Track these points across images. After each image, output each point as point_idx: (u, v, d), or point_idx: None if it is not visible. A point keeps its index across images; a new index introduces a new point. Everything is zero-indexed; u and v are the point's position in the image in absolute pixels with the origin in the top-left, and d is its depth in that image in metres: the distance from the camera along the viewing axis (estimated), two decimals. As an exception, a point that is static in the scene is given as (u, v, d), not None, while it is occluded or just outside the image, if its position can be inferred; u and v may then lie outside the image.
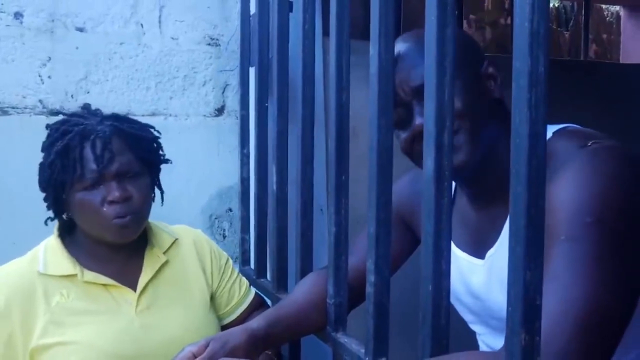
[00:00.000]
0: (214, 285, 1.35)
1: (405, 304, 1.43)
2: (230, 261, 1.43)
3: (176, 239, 1.34)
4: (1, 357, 1.16)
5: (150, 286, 1.25)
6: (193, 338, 1.07)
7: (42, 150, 1.22)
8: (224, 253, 1.43)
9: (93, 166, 1.16)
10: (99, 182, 1.17)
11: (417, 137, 0.96)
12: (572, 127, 0.95)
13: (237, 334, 1.04)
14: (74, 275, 1.20)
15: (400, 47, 0.98)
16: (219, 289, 1.36)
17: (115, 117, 1.25)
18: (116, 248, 1.23)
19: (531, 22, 0.59)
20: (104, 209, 1.17)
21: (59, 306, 1.18)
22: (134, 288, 1.24)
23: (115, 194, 1.16)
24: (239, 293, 1.39)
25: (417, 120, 0.96)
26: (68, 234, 1.25)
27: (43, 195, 1.23)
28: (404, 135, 0.98)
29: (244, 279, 1.44)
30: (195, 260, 1.34)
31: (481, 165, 0.96)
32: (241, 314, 1.38)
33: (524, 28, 0.60)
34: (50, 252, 1.23)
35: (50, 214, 1.25)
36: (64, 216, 1.23)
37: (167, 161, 1.31)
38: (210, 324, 1.31)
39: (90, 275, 1.21)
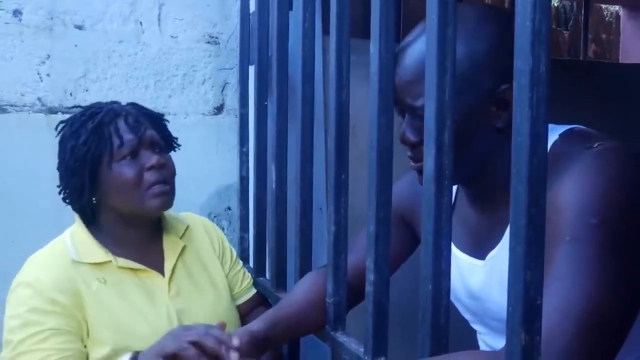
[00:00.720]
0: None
1: (404, 303, 1.43)
2: (235, 252, 1.47)
3: (188, 225, 1.37)
4: (75, 330, 1.15)
5: (176, 271, 1.28)
6: None
7: (66, 138, 1.23)
8: (228, 243, 1.47)
9: (130, 135, 1.21)
10: (137, 151, 1.21)
11: (407, 145, 0.96)
12: (579, 128, 0.94)
13: (238, 336, 1.03)
14: (107, 263, 1.21)
15: (411, 49, 0.93)
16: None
17: (132, 103, 1.32)
18: (141, 231, 1.26)
19: (533, 21, 0.59)
20: (145, 176, 1.20)
21: (99, 290, 1.18)
22: (160, 272, 1.26)
23: (153, 159, 1.20)
24: (240, 285, 1.42)
25: (406, 133, 0.95)
26: (90, 223, 1.26)
27: (72, 181, 1.21)
28: (401, 127, 0.98)
29: (247, 273, 1.46)
30: (209, 246, 1.38)
31: (481, 166, 0.96)
32: (240, 306, 1.39)
33: (526, 27, 0.60)
34: (78, 240, 1.23)
35: (68, 207, 1.25)
36: (94, 200, 1.22)
37: (179, 145, 1.36)
38: (234, 308, 1.36)
39: (122, 261, 1.22)
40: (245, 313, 1.39)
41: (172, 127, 1.36)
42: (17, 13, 1.62)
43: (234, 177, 1.77)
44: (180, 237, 1.34)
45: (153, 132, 1.26)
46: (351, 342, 1.04)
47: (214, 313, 1.27)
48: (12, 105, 1.63)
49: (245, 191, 1.65)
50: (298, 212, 1.25)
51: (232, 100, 1.82)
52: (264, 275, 1.49)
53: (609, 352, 0.72)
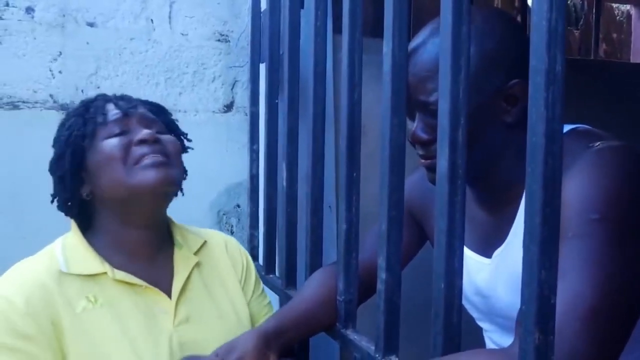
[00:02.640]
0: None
1: (409, 303, 1.42)
2: (261, 282, 1.28)
3: (205, 241, 1.19)
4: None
5: (186, 292, 1.09)
6: None
7: (58, 131, 1.08)
8: (255, 270, 1.27)
9: (115, 110, 1.05)
10: (125, 128, 1.04)
11: (418, 144, 0.96)
12: (582, 127, 0.94)
13: (247, 338, 1.02)
14: (102, 275, 1.02)
15: (423, 46, 0.94)
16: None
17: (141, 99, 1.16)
18: (144, 234, 1.07)
19: (549, 21, 0.59)
20: (132, 150, 1.01)
21: (86, 313, 0.99)
22: (167, 293, 1.07)
23: (144, 132, 1.02)
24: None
25: (417, 132, 0.96)
26: (87, 229, 1.09)
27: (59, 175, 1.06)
28: (410, 127, 0.98)
29: (271, 306, 1.27)
30: (229, 266, 1.19)
31: (489, 165, 0.96)
32: None
33: (542, 26, 0.60)
34: (70, 250, 1.05)
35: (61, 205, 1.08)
36: (83, 194, 1.05)
37: (189, 141, 1.18)
38: None
39: (121, 274, 1.03)
40: None
41: (182, 125, 1.35)
42: (29, 10, 1.63)
43: (243, 175, 1.78)
44: (195, 253, 1.15)
45: (147, 112, 1.09)
46: (362, 340, 1.04)
47: None
48: (24, 102, 1.64)
49: (255, 189, 1.65)
50: (309, 210, 1.25)
51: (241, 98, 1.82)
52: (274, 273, 1.50)
53: (617, 345, 0.72)
